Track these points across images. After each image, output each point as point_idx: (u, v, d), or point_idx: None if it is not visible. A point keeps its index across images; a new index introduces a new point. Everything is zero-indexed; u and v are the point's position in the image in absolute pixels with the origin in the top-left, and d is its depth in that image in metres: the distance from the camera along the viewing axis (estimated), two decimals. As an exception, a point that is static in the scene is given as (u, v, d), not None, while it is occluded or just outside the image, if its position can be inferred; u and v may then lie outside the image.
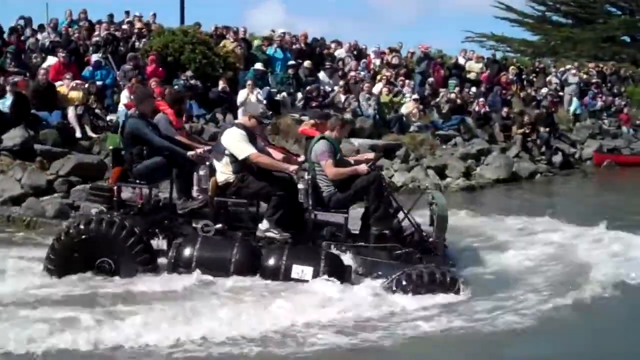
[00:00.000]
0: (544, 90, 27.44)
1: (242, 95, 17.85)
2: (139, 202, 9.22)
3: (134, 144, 8.92)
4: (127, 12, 21.80)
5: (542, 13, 50.32)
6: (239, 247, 8.32)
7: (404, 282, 7.91)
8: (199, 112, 17.27)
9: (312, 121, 11.99)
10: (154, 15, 22.15)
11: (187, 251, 8.28)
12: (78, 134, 14.90)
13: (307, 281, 8.04)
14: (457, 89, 23.86)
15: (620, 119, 28.85)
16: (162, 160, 8.93)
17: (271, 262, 8.23)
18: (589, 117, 28.12)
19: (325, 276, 8.00)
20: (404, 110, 21.07)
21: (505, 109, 23.65)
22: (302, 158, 9.96)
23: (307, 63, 21.18)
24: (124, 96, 16.10)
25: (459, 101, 22.83)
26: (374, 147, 17.50)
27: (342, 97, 20.03)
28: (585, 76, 31.15)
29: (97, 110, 15.88)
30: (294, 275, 8.11)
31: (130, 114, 9.77)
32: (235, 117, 17.43)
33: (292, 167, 8.82)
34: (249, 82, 18.20)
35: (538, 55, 41.93)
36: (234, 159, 8.66)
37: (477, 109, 23.05)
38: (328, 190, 8.82)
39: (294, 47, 22.36)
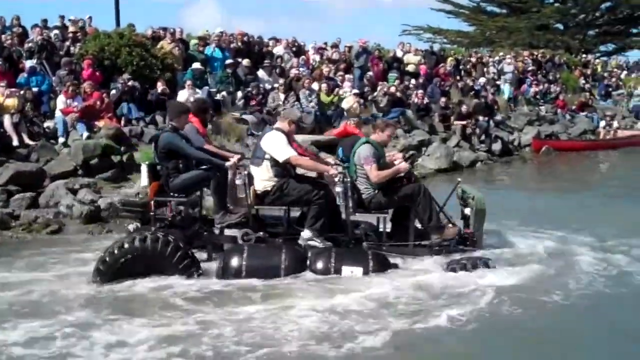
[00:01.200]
0: (482, 80, 27.85)
1: (181, 96, 17.70)
2: (170, 215, 9.18)
3: (169, 158, 8.89)
4: (62, 17, 21.42)
5: (476, 4, 51.21)
6: (287, 252, 8.42)
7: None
8: (138, 114, 16.96)
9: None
10: (90, 18, 21.88)
11: (235, 260, 8.31)
12: (15, 142, 14.54)
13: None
14: (397, 81, 24.08)
15: (556, 105, 29.45)
16: (203, 173, 8.95)
17: (320, 265, 8.38)
18: (526, 104, 28.68)
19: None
20: (344, 105, 21.15)
21: (443, 99, 23.95)
22: (332, 160, 10.12)
23: (245, 61, 21.13)
24: (61, 102, 15.87)
25: (398, 94, 23.04)
26: (316, 143, 17.56)
27: (282, 96, 19.98)
28: (521, 64, 31.75)
29: (33, 118, 15.62)
30: (344, 276, 8.30)
31: (162, 127, 9.69)
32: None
33: (333, 170, 8.89)
34: (188, 82, 18.12)
35: (474, 46, 42.65)
36: (274, 162, 8.73)
37: (416, 100, 23.30)
38: (368, 192, 9.05)
39: (231, 45, 22.28)
